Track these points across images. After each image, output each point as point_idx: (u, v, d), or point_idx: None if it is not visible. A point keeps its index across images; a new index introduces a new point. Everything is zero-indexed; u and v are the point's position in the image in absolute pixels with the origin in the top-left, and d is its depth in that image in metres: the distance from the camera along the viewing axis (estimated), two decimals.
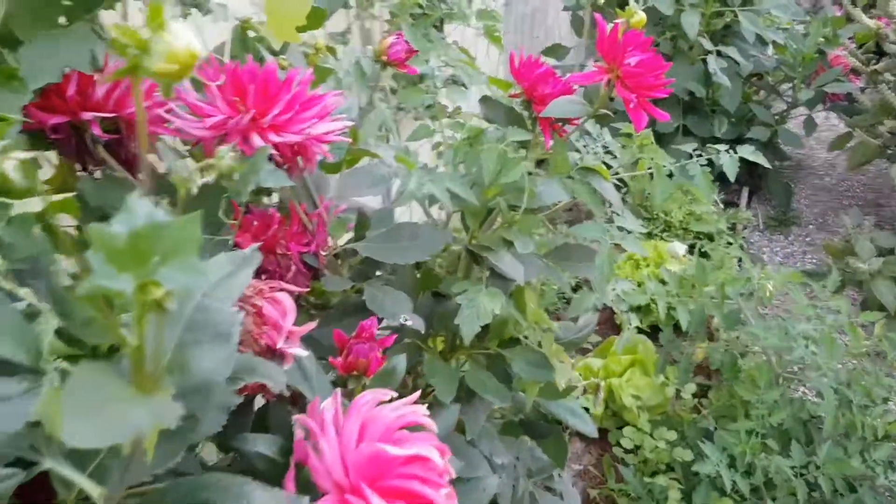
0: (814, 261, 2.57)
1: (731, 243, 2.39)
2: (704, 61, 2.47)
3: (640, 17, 0.83)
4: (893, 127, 2.10)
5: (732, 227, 2.57)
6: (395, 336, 0.71)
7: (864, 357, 1.62)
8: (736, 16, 2.42)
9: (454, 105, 1.12)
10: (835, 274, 1.58)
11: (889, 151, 2.27)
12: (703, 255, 2.34)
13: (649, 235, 2.53)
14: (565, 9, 2.86)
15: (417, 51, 0.82)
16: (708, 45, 2.42)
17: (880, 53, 2.47)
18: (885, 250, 1.95)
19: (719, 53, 2.44)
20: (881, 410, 1.44)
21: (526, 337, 0.95)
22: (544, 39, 3.08)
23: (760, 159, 1.13)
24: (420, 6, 1.60)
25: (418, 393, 0.61)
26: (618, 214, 1.08)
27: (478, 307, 0.89)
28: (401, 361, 0.78)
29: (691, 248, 2.46)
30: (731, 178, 1.10)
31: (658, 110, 0.91)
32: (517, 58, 0.97)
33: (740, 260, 2.51)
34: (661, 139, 2.76)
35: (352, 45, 1.40)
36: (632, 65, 0.88)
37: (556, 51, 3.00)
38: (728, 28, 2.57)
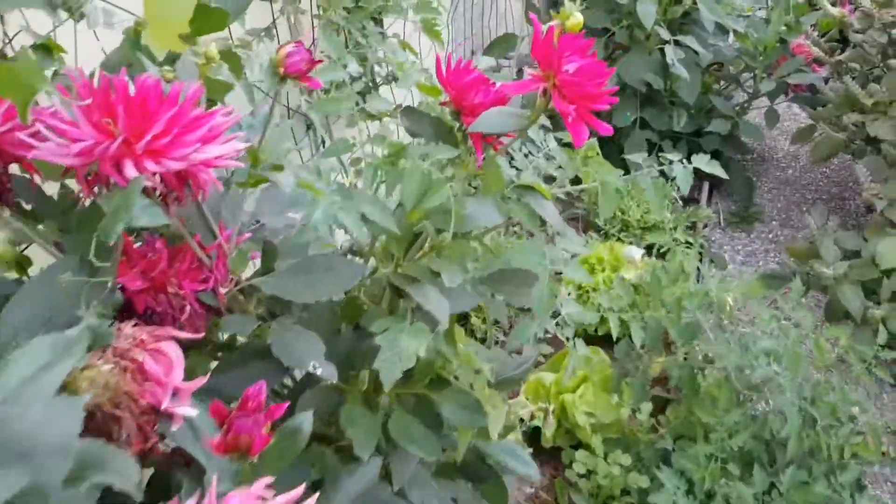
0: (777, 259, 2.51)
1: (690, 244, 2.32)
2: (662, 51, 2.40)
3: (577, 19, 0.74)
4: (858, 120, 2.05)
5: (692, 226, 2.50)
6: (286, 405, 0.62)
7: (830, 369, 1.56)
8: (695, 3, 2.35)
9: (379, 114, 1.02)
10: (797, 283, 1.51)
11: (853, 145, 2.21)
12: (662, 255, 2.27)
13: (606, 236, 2.46)
14: None
15: (321, 60, 0.73)
16: (665, 34, 2.34)
17: (845, 42, 2.41)
18: (851, 252, 1.90)
19: (677, 43, 2.37)
20: (847, 430, 1.38)
21: (457, 377, 0.86)
22: (496, 28, 2.99)
23: (718, 170, 1.05)
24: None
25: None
26: (560, 235, 1.00)
27: (399, 349, 0.80)
28: (305, 421, 0.69)
29: (650, 249, 2.40)
30: (685, 191, 1.02)
31: (601, 123, 0.82)
32: (444, 62, 0.88)
33: (700, 262, 2.45)
34: (619, 133, 2.69)
35: (263, 48, 1.30)
36: (570, 72, 0.79)
37: (506, 41, 2.91)
38: (687, 16, 2.50)
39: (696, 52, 2.41)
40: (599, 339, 1.94)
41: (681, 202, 2.69)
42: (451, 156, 0.83)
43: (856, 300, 1.77)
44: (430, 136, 0.89)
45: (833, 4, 2.74)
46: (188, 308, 0.80)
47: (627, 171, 2.48)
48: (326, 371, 0.76)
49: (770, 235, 2.65)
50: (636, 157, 1.07)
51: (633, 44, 2.51)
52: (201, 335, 0.81)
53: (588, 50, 0.81)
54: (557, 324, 1.07)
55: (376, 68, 1.68)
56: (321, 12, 1.44)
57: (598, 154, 0.97)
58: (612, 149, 2.77)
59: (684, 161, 1.04)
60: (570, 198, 2.73)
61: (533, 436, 1.68)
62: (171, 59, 0.80)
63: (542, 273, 0.90)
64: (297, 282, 0.79)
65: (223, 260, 0.80)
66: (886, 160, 1.93)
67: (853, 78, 2.16)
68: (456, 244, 0.85)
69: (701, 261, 2.50)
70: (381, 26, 1.73)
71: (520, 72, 3.01)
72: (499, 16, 3.05)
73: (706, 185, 2.86)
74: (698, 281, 2.40)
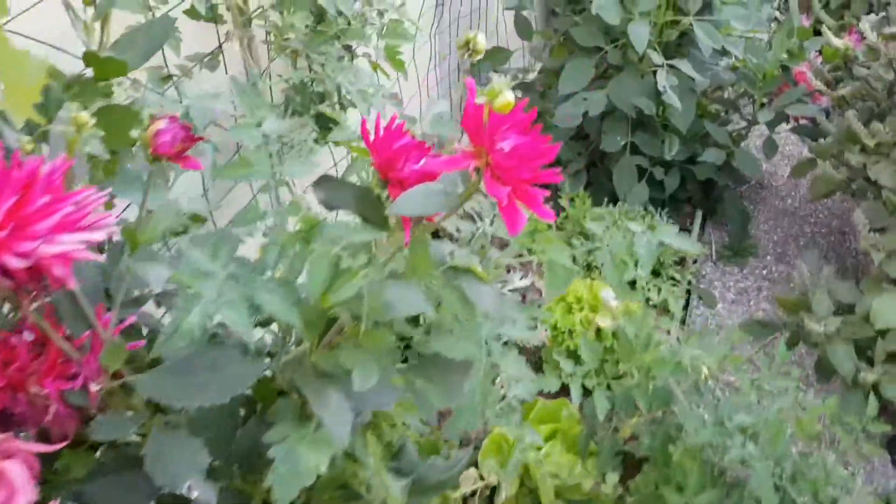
0: (769, 298, 2.41)
1: (676, 282, 2.22)
2: (656, 74, 2.29)
3: (507, 99, 0.63)
4: (859, 162, 1.94)
5: (680, 261, 2.41)
6: None
7: (815, 440, 1.46)
8: (692, 25, 2.25)
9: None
10: (785, 344, 1.41)
11: (854, 185, 2.11)
12: (647, 298, 2.17)
13: (588, 268, 2.35)
14: (507, 8, 2.67)
15: (200, 138, 0.62)
16: (657, 58, 2.24)
17: (850, 72, 2.31)
18: (845, 306, 1.79)
19: (671, 67, 2.27)
20: None
21: (368, 490, 0.76)
22: (485, 43, 2.88)
23: (686, 244, 0.95)
24: (313, 23, 1.40)
25: None
26: (502, 319, 0.90)
27: (297, 463, 0.70)
28: None
29: (633, 284, 2.30)
30: (648, 270, 0.92)
31: (543, 208, 0.71)
32: (372, 124, 0.78)
33: (688, 301, 2.36)
34: (608, 158, 2.59)
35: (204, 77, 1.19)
36: (504, 151, 0.69)
37: (496, 55, 2.81)
38: (684, 36, 2.40)
39: (691, 79, 2.31)
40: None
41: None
42: (367, 239, 0.73)
43: (847, 361, 1.67)
44: (354, 209, 0.78)
45: (840, 30, 2.63)
46: (53, 409, 0.70)
47: (615, 200, 2.38)
48: (204, 496, 0.66)
49: (764, 272, 2.55)
50: (597, 226, 0.96)
51: (626, 64, 2.41)
52: (67, 440, 0.72)
53: (529, 125, 0.71)
54: (501, 408, 0.97)
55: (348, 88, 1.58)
56: (273, 38, 1.34)
57: (548, 228, 0.87)
58: (601, 173, 2.68)
59: (649, 235, 0.93)
60: (549, 228, 2.63)
61: (490, 497, 1.59)
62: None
63: (476, 366, 0.80)
64: (176, 383, 0.69)
65: (96, 353, 0.71)
66: (886, 207, 1.83)
67: (856, 114, 2.06)
68: (374, 334, 0.75)
69: (689, 299, 2.41)
70: (350, 48, 1.63)
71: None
72: (489, 29, 2.94)
73: (699, 214, 2.76)
74: (685, 322, 2.31)
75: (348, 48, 1.55)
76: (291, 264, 0.75)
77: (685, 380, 1.38)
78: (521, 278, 2.46)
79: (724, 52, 2.39)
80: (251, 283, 0.69)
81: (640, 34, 2.17)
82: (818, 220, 2.81)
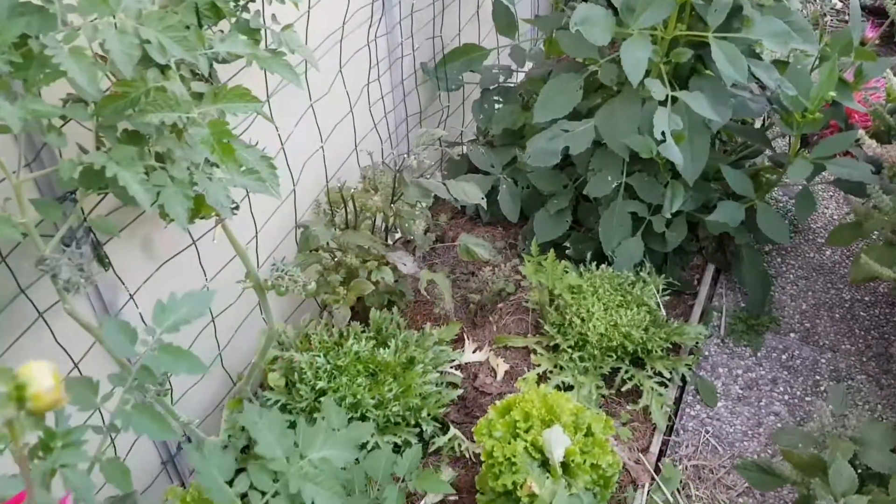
0: (785, 398, 1.96)
1: (667, 379, 1.78)
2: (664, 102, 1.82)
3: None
4: None
5: (675, 347, 1.96)
6: None
7: None
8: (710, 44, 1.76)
9: None
10: None
11: None
12: (626, 394, 1.72)
13: (555, 349, 1.91)
14: None
15: None
16: (658, 90, 1.75)
17: None
18: (875, 476, 1.35)
19: (674, 101, 1.79)
20: None
21: None
22: (449, 41, 2.40)
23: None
24: None
25: None
26: None
27: None
28: None
29: (611, 377, 1.86)
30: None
31: None
32: None
33: (681, 395, 1.91)
34: (597, 202, 2.13)
35: None
36: None
37: (467, 53, 2.33)
38: (700, 59, 1.92)
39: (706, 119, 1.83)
40: None
41: (666, 299, 2.14)
42: None
43: None
44: None
45: None
46: None
47: (603, 259, 1.89)
48: None
49: (783, 356, 2.08)
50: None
51: (623, 86, 1.93)
52: None
53: None
54: None
55: None
56: None
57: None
58: (591, 212, 2.22)
59: None
60: (519, 288, 2.19)
61: None
62: None
63: None
64: None
65: None
66: None
67: None
68: None
69: (683, 393, 1.96)
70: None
71: (486, 91, 2.43)
72: (461, 23, 2.45)
73: (710, 270, 2.29)
74: (671, 433, 1.87)
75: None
76: None
77: None
78: (474, 350, 2.04)
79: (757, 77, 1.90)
80: None
81: (635, 59, 1.68)
82: (861, 287, 2.33)
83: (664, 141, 1.73)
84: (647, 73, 1.79)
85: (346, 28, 1.78)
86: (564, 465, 1.49)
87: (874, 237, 1.96)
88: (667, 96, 1.78)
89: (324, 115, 1.78)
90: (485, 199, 1.80)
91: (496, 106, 2.40)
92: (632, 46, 1.70)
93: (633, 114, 1.89)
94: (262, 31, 1.24)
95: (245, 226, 1.57)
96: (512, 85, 2.42)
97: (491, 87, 2.41)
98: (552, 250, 2.06)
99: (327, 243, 1.76)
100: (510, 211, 2.31)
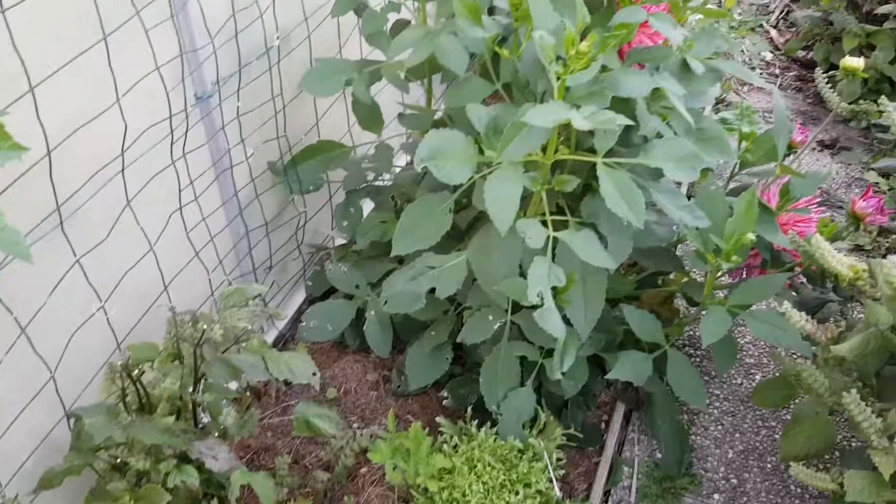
0: None
1: None
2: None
3: None
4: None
5: None
6: None
7: None
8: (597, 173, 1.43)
9: None
10: None
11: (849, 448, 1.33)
12: None
13: None
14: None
15: None
16: (535, 235, 1.40)
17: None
18: None
19: (556, 244, 1.46)
20: None
21: None
22: (302, 136, 2.03)
23: None
24: None
25: None
26: None
27: None
28: None
29: None
30: None
31: None
32: None
33: None
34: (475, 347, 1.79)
35: None
36: None
37: (324, 151, 1.99)
38: (595, 175, 1.59)
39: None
40: None
41: (567, 446, 1.81)
42: None
43: None
44: None
45: None
46: None
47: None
48: None
49: None
50: None
51: None
52: None
53: None
54: None
55: None
56: None
57: None
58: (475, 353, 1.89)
59: None
60: None
61: None
62: None
63: None
64: None
65: None
66: None
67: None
68: None
69: None
70: None
71: (352, 193, 2.08)
72: (318, 116, 2.10)
73: (620, 410, 1.97)
74: None
75: None
76: None
77: None
78: None
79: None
80: None
81: (502, 200, 1.34)
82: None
83: (541, 305, 1.40)
84: (525, 200, 1.46)
85: (131, 153, 1.43)
86: None
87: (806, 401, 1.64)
88: (547, 238, 1.45)
89: (100, 267, 1.41)
90: (317, 376, 1.44)
91: (364, 211, 2.06)
92: (497, 183, 1.37)
93: (512, 248, 1.55)
94: None
95: None
96: (385, 184, 2.08)
97: (359, 188, 2.06)
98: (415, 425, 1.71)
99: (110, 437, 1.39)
100: (379, 343, 1.97)
